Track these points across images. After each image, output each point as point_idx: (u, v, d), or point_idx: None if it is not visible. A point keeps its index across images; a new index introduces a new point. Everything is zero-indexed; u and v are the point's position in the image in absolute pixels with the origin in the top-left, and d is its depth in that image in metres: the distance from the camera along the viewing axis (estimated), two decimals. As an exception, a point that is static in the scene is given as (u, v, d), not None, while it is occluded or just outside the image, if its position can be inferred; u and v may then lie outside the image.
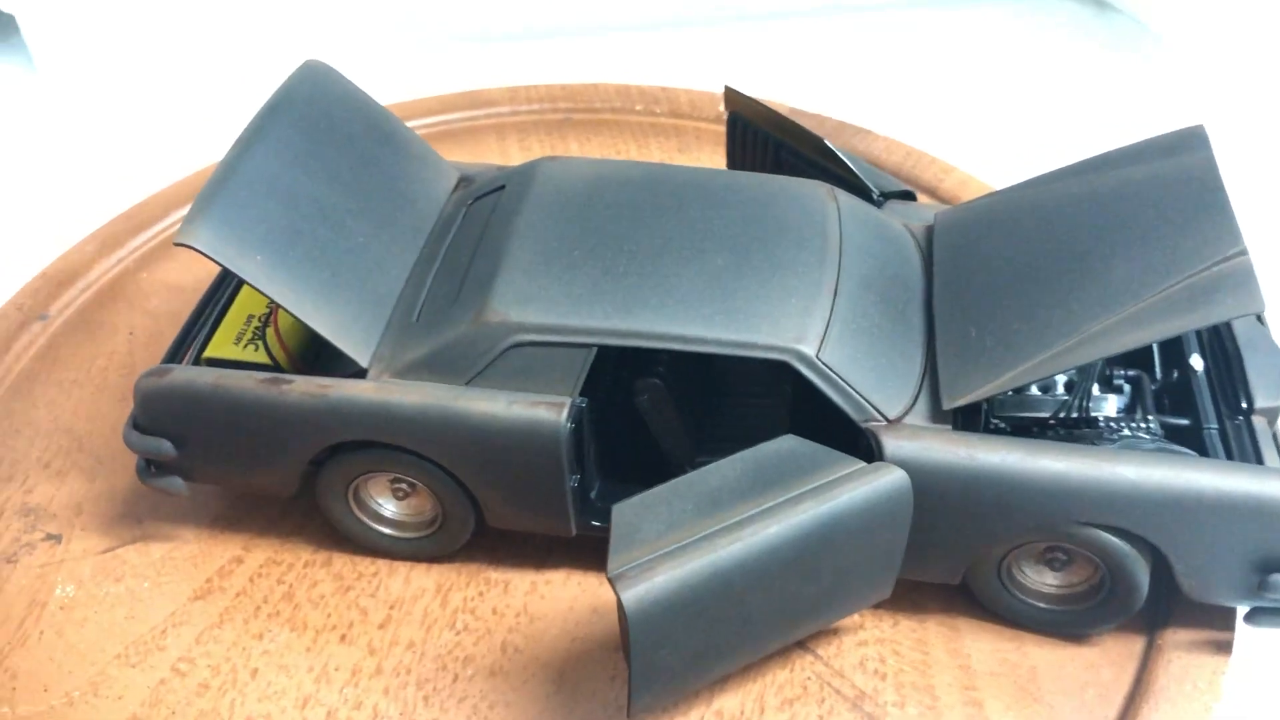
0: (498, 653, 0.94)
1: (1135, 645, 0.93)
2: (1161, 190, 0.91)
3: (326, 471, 0.95)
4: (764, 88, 1.59)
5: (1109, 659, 0.93)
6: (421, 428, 0.90)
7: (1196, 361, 0.95)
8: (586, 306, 0.90)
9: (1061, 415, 0.92)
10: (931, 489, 0.86)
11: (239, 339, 1.00)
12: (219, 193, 0.91)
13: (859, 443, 0.88)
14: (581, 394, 0.90)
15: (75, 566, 1.00)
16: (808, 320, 0.89)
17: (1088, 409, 0.92)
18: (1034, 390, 0.94)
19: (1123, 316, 0.84)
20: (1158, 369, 0.97)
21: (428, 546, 1.00)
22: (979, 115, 1.78)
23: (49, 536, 1.03)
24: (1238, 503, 0.83)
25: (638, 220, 0.96)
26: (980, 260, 0.97)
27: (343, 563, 1.01)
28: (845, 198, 1.02)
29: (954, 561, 0.91)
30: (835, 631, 0.95)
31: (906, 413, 0.89)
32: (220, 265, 0.88)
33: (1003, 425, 0.92)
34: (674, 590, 0.77)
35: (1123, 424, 0.91)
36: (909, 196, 1.11)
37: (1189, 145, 0.93)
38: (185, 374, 0.93)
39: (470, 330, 0.90)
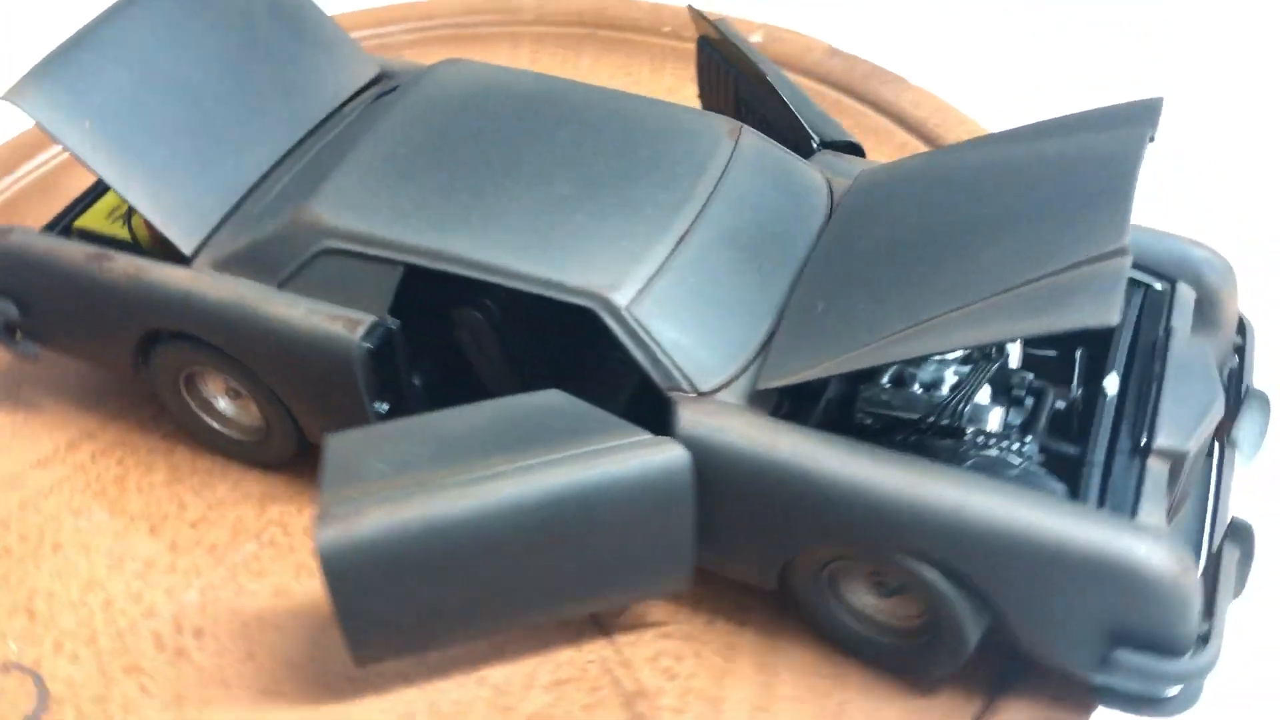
0: (289, 574, 0.89)
1: (970, 706, 0.79)
2: (1077, 167, 0.74)
3: (155, 357, 0.92)
4: (809, 23, 1.44)
5: (935, 715, 0.79)
6: (227, 326, 0.85)
7: (1110, 383, 0.79)
8: (403, 220, 0.82)
9: (931, 420, 0.78)
10: (725, 476, 0.74)
11: (112, 214, 0.97)
12: (63, 55, 0.88)
13: (666, 412, 0.77)
14: (408, 317, 0.82)
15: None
16: (632, 267, 0.78)
17: (963, 415, 0.78)
18: (917, 387, 0.80)
19: (969, 310, 0.69)
20: (1076, 382, 0.81)
21: (256, 452, 0.95)
22: (1030, 74, 1.51)
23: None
24: (1080, 558, 0.68)
25: (501, 137, 0.87)
26: (870, 227, 0.83)
27: (184, 455, 0.98)
28: (752, 140, 0.89)
29: (760, 562, 0.79)
30: (643, 617, 0.85)
31: (724, 387, 0.77)
32: (42, 129, 0.85)
33: (869, 421, 0.79)
34: (378, 540, 0.70)
35: (993, 441, 0.76)
36: (856, 150, 0.97)
37: (1134, 119, 0.76)
38: (24, 237, 0.92)
39: (286, 229, 0.84)
